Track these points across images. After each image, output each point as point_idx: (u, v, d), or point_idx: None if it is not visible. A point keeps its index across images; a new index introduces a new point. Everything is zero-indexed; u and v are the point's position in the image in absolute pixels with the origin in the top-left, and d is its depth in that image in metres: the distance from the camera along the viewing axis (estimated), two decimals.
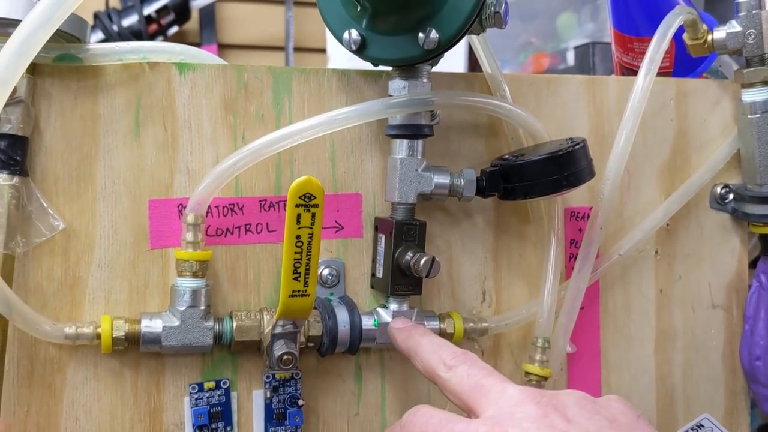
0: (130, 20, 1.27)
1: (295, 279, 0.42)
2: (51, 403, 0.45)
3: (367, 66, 0.50)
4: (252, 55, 1.42)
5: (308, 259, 0.42)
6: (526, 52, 1.31)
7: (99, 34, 1.24)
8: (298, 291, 0.42)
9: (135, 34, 1.27)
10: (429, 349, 0.43)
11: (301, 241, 0.41)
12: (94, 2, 1.29)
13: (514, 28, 1.32)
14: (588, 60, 1.10)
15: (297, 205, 0.40)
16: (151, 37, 1.29)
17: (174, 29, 1.32)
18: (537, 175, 0.49)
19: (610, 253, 0.57)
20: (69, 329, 0.44)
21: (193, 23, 1.36)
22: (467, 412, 0.39)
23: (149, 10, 1.28)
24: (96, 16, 1.26)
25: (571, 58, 1.18)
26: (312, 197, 0.40)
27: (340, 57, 1.38)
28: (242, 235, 0.49)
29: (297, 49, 1.40)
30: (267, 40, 1.43)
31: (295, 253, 0.41)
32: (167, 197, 0.47)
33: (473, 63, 1.28)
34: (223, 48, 1.41)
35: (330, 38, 1.38)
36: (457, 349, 0.42)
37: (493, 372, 0.40)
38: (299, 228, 0.41)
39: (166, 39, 1.31)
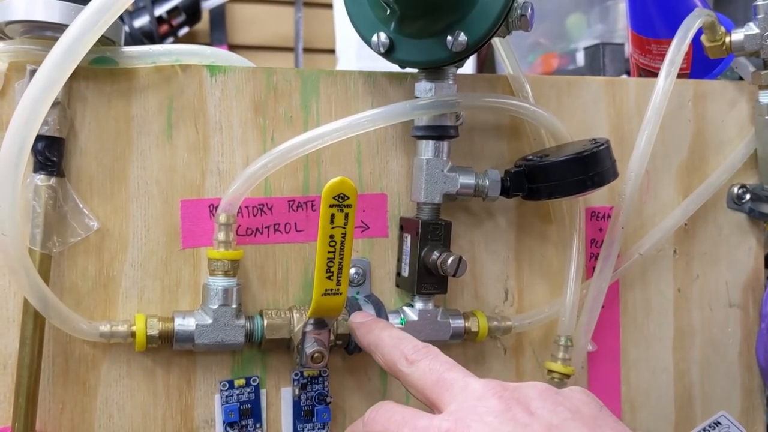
0: (141, 21, 1.28)
1: (329, 278, 0.43)
2: (85, 401, 0.46)
3: (391, 68, 0.50)
4: (262, 56, 1.43)
5: (341, 259, 0.42)
6: (535, 52, 1.32)
7: (124, 36, 1.25)
8: (331, 290, 0.43)
9: (146, 35, 1.27)
10: (390, 343, 0.42)
11: (335, 241, 0.42)
12: None
13: None
14: (598, 60, 1.11)
15: (331, 206, 0.41)
16: (162, 38, 1.29)
17: (185, 30, 1.33)
18: (562, 176, 0.50)
19: (630, 253, 0.58)
20: (104, 327, 0.44)
21: (203, 24, 1.37)
22: (430, 407, 0.39)
23: (160, 11, 1.29)
24: None
25: (580, 59, 1.19)
26: (346, 197, 0.41)
27: (349, 58, 1.39)
28: (271, 234, 0.50)
29: (306, 50, 1.41)
30: (277, 41, 1.43)
31: (329, 252, 0.42)
32: (199, 197, 0.48)
33: (481, 64, 1.29)
34: (233, 49, 1.40)
35: (339, 39, 1.39)
36: (418, 343, 0.42)
37: (455, 366, 0.39)
38: (333, 228, 0.41)
39: (177, 40, 1.31)
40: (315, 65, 1.39)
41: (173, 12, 1.30)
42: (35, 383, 0.43)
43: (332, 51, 1.40)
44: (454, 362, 0.40)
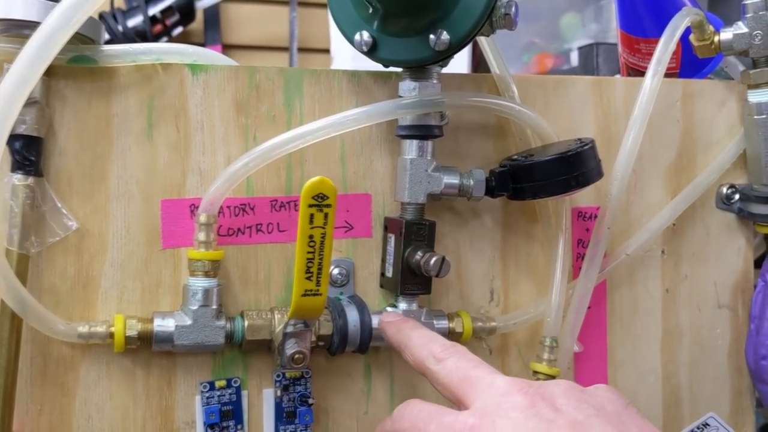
0: (135, 21, 1.28)
1: (308, 278, 0.42)
2: (64, 402, 0.46)
3: (377, 67, 0.50)
4: (256, 55, 1.42)
5: (321, 259, 0.42)
6: (530, 52, 1.32)
7: (104, 35, 1.25)
8: (311, 290, 0.43)
9: (140, 35, 1.27)
10: (419, 342, 0.44)
11: (314, 241, 0.41)
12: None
13: (517, 28, 1.32)
14: (592, 60, 1.10)
15: (310, 205, 0.41)
16: (156, 37, 1.29)
17: (179, 30, 1.32)
18: (546, 176, 0.49)
19: (617, 253, 0.57)
20: (82, 328, 0.44)
21: (197, 24, 1.37)
22: (456, 404, 0.40)
23: (154, 10, 1.28)
24: (101, 16, 1.26)
25: (574, 59, 1.18)
26: (325, 197, 0.41)
27: (344, 57, 1.38)
28: (253, 234, 0.50)
29: (301, 50, 1.40)
30: (271, 41, 1.43)
31: (308, 252, 0.42)
32: (179, 197, 0.48)
33: (476, 63, 1.28)
34: (227, 48, 1.41)
35: (334, 39, 1.38)
36: (446, 342, 0.43)
37: (481, 363, 0.40)
38: (312, 228, 0.41)
39: (171, 39, 1.31)
40: (310, 65, 1.38)
41: (167, 12, 1.30)
42: (12, 385, 0.43)
43: (327, 51, 1.40)
44: (481, 360, 0.41)
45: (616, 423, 0.35)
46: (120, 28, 1.25)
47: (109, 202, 0.46)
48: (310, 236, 0.41)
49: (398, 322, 0.47)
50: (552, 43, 1.28)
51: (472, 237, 0.55)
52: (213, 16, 1.37)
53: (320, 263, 0.42)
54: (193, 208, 0.48)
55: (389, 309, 0.51)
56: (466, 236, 0.55)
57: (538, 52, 1.30)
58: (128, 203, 0.47)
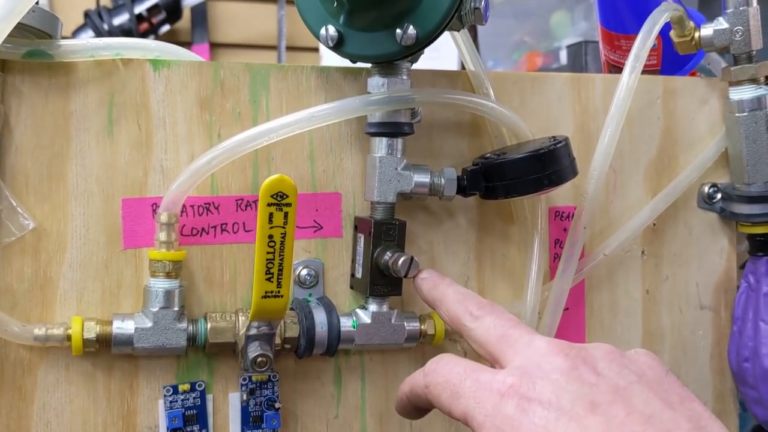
0: (120, 19, 1.27)
1: (268, 280, 0.41)
2: (21, 407, 0.44)
3: (345, 65, 0.49)
4: (244, 53, 1.41)
5: (281, 260, 0.41)
6: (520, 50, 1.31)
7: (90, 33, 1.24)
8: (271, 292, 0.41)
9: (126, 33, 1.26)
10: (455, 298, 0.43)
11: (274, 241, 0.40)
12: (85, 0, 1.28)
13: (507, 26, 1.31)
14: (581, 59, 1.09)
15: (269, 204, 0.40)
16: (143, 35, 1.28)
17: (165, 28, 1.31)
18: (518, 174, 0.48)
19: (595, 253, 0.56)
20: (38, 330, 0.43)
21: (185, 22, 1.36)
22: (492, 362, 0.39)
23: (140, 8, 1.27)
24: (86, 14, 1.25)
25: (564, 57, 1.17)
26: (284, 196, 0.40)
27: (333, 56, 1.37)
28: (218, 234, 0.48)
29: (289, 48, 1.39)
30: (259, 39, 1.42)
31: (268, 253, 0.40)
32: (141, 196, 0.47)
33: None
34: (215, 47, 1.40)
35: None
36: (483, 300, 0.42)
37: (519, 323, 0.39)
38: (271, 228, 0.40)
39: (158, 38, 1.30)
40: (299, 63, 1.37)
41: (153, 10, 1.29)
42: None
43: (316, 50, 1.39)
44: (519, 320, 0.40)
45: (657, 390, 0.34)
46: (105, 26, 1.24)
47: (67, 201, 0.45)
48: (270, 236, 0.40)
49: (434, 278, 0.46)
50: (542, 42, 1.27)
51: (447, 238, 0.54)
52: (200, 14, 1.37)
53: (281, 264, 0.41)
54: (155, 207, 0.47)
55: (358, 310, 0.49)
56: (440, 237, 0.54)
57: (528, 51, 1.29)
58: (88, 202, 0.46)
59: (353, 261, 0.51)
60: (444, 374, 0.37)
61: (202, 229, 0.48)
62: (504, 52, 1.30)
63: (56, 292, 0.45)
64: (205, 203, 0.48)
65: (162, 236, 0.45)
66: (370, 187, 0.49)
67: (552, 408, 0.33)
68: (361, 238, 0.50)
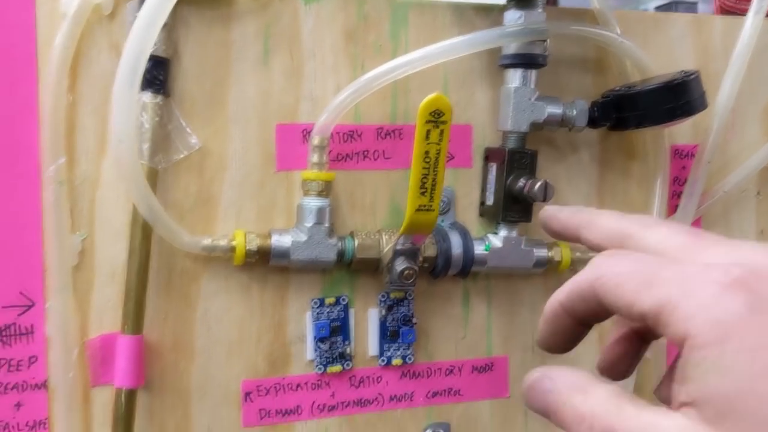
0: None
1: (422, 194, 0.44)
2: (186, 312, 0.48)
3: (479, 2, 0.51)
4: None
5: (435, 175, 0.43)
6: None
7: None
8: (424, 206, 0.44)
9: None
10: (611, 215, 0.33)
11: (429, 157, 0.43)
12: None
13: None
14: None
15: (427, 122, 0.42)
16: None
17: None
18: (651, 104, 0.50)
19: (713, 191, 0.57)
20: (206, 241, 0.47)
21: None
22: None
23: None
24: None
25: None
26: (441, 114, 0.42)
27: None
28: (360, 161, 0.51)
29: None
30: None
31: (423, 168, 0.43)
32: (293, 122, 0.50)
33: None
34: None
35: None
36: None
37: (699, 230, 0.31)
38: (428, 144, 0.43)
39: None
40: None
41: None
42: (143, 290, 0.45)
43: None
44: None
45: None
46: None
47: (227, 125, 0.49)
48: (426, 152, 0.43)
49: (569, 208, 0.37)
50: (627, 4, 1.26)
51: (570, 172, 0.56)
52: None
53: (434, 179, 0.44)
54: (305, 133, 0.50)
55: (489, 235, 0.52)
56: (563, 171, 0.56)
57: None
58: (245, 127, 0.49)
59: (483, 190, 0.53)
60: (628, 263, 0.28)
61: (347, 155, 0.51)
62: None
63: (218, 208, 0.49)
64: (349, 131, 0.51)
65: (315, 158, 0.48)
66: (504, 116, 0.51)
67: None
68: (493, 167, 0.52)
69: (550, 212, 0.38)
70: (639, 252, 0.29)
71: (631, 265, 0.28)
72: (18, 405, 0.45)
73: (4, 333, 0.45)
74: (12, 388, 0.45)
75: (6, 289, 0.45)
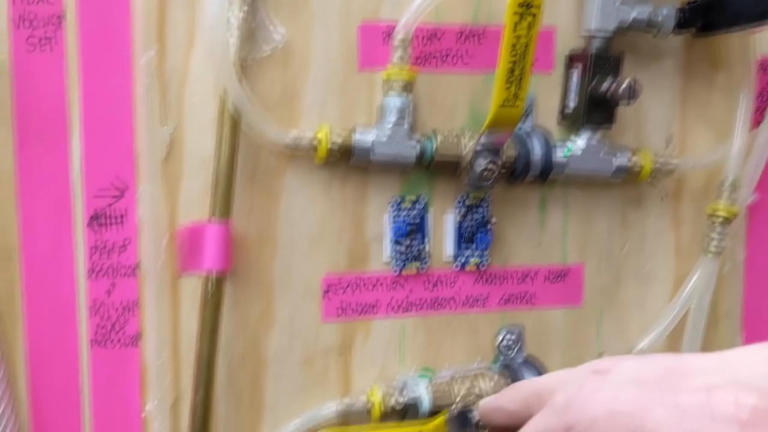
0: None
1: (508, 88, 0.44)
2: (270, 207, 0.50)
3: None
4: None
5: (522, 69, 0.43)
6: None
7: None
8: (509, 102, 0.44)
9: None
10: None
11: (516, 50, 0.43)
12: None
13: None
14: None
15: (515, 12, 0.42)
16: None
17: None
18: (742, 6, 0.48)
19: None
20: (293, 132, 0.47)
21: None
22: None
23: None
24: None
25: None
26: (530, 5, 0.42)
27: None
28: (440, 64, 0.51)
29: None
30: None
31: (510, 61, 0.43)
32: (375, 22, 0.50)
33: None
34: None
35: None
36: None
37: None
38: (516, 35, 0.42)
39: None
40: None
41: None
42: (231, 179, 0.47)
43: None
44: None
45: None
46: None
47: (311, 24, 0.49)
48: (513, 45, 0.43)
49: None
50: None
51: (653, 80, 0.55)
52: None
53: (521, 74, 0.43)
54: (388, 32, 0.50)
55: (571, 139, 0.52)
56: (647, 78, 0.54)
57: None
58: (328, 26, 0.49)
59: (564, 96, 0.53)
60: (598, 403, 0.27)
61: (427, 56, 0.51)
62: None
63: (301, 105, 0.49)
64: (430, 32, 0.51)
65: (398, 54, 0.48)
66: (590, 15, 0.50)
67: None
68: (576, 71, 0.51)
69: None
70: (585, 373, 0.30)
71: (609, 404, 0.27)
72: (111, 287, 0.48)
73: (98, 218, 0.47)
74: (105, 272, 0.48)
75: (100, 176, 0.47)
